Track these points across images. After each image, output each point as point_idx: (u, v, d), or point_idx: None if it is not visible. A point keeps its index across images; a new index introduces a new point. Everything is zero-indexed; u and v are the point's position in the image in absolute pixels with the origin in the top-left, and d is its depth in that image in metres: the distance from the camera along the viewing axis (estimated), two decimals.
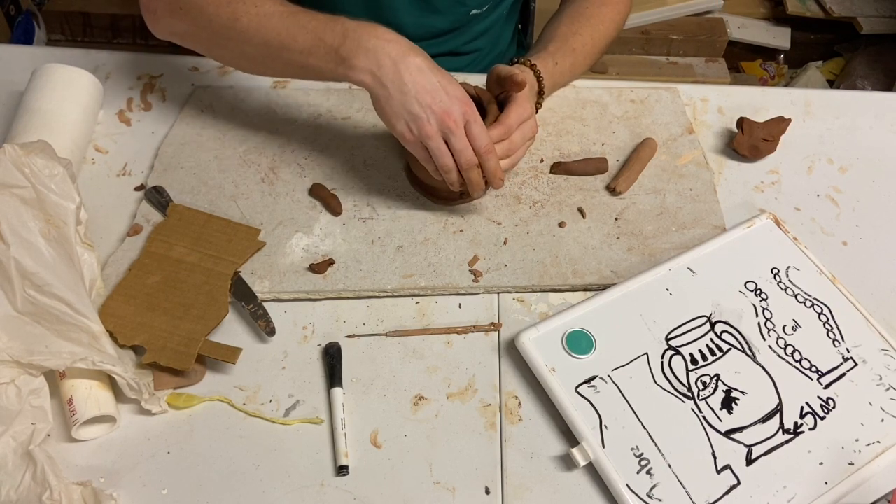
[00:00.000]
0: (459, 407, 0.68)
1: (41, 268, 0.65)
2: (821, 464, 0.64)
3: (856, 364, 0.70)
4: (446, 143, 0.71)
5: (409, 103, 0.69)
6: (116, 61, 0.98)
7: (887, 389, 0.68)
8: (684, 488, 0.62)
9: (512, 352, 0.71)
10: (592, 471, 0.64)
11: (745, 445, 0.64)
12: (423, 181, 0.81)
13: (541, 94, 0.84)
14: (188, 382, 0.69)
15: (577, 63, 0.89)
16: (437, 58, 0.93)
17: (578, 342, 0.69)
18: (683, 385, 0.68)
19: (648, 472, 0.62)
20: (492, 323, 0.74)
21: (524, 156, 0.79)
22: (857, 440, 0.65)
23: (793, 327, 0.72)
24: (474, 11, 0.97)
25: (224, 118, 0.90)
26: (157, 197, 0.81)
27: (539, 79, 0.83)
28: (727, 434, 0.65)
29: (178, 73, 0.97)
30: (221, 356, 0.69)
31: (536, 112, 0.85)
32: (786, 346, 0.71)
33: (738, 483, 0.62)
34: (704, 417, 0.66)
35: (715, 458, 0.63)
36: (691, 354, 0.69)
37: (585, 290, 0.76)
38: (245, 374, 0.70)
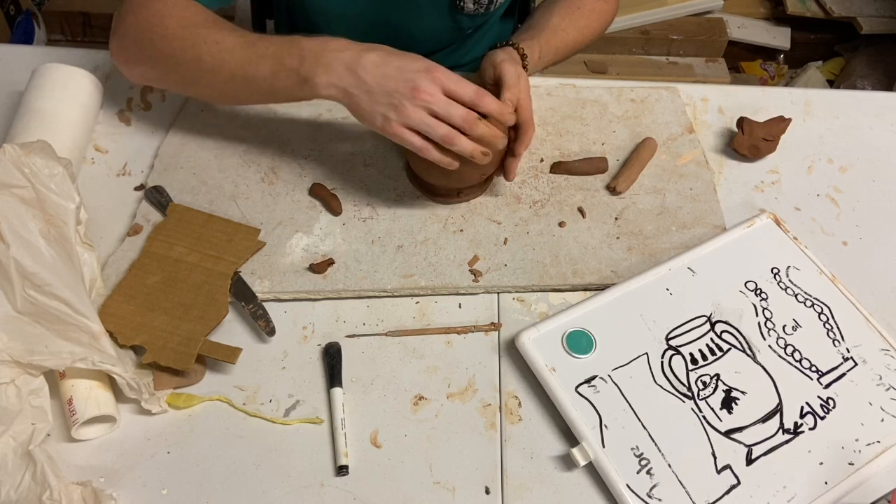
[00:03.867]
0: (459, 407, 0.68)
1: (41, 268, 0.65)
2: (821, 464, 0.64)
3: (856, 364, 0.70)
4: (435, 117, 0.69)
5: (377, 99, 0.69)
6: None
7: (887, 389, 0.68)
8: (684, 488, 0.62)
9: (512, 352, 0.71)
10: (592, 471, 0.64)
11: (745, 445, 0.64)
12: (424, 180, 0.81)
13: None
14: (188, 382, 0.69)
15: (554, 61, 0.90)
16: None
17: (578, 342, 0.69)
18: (683, 385, 0.68)
19: (648, 472, 0.62)
20: (492, 323, 0.74)
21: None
22: (857, 440, 0.65)
23: (793, 327, 0.72)
24: (468, 30, 0.98)
25: (224, 118, 0.90)
26: (157, 197, 0.81)
27: (524, 66, 0.81)
28: (727, 434, 0.65)
29: None
30: (221, 356, 0.69)
31: None
32: (786, 345, 0.71)
33: (738, 483, 0.62)
34: (704, 417, 0.66)
35: (715, 457, 0.63)
36: (691, 354, 0.69)
37: (585, 289, 0.76)
38: (245, 374, 0.70)
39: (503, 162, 0.78)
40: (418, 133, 0.70)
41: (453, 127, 0.69)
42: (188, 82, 0.79)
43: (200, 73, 0.76)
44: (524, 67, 0.81)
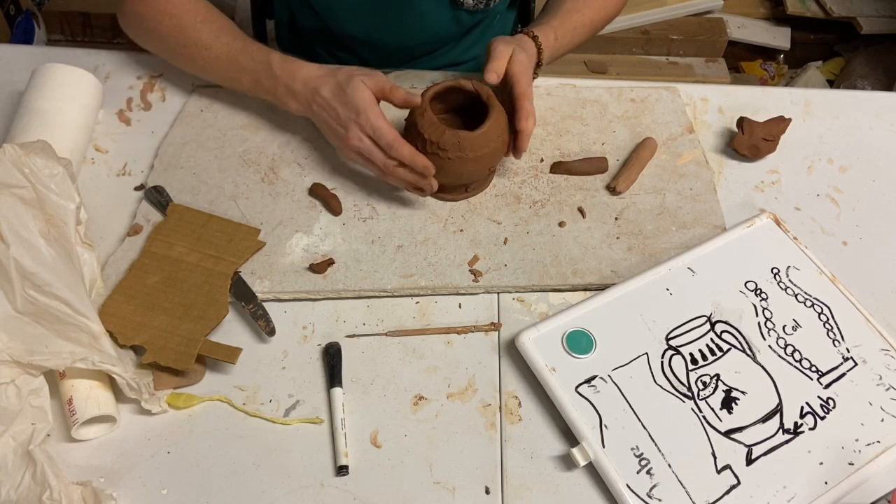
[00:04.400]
0: (459, 407, 0.68)
1: (41, 268, 0.65)
2: (821, 464, 0.64)
3: (856, 364, 0.70)
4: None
5: (328, 131, 0.80)
6: (116, 61, 0.98)
7: (887, 389, 0.68)
8: (684, 488, 0.62)
9: (512, 352, 0.71)
10: (592, 471, 0.64)
11: (745, 445, 0.64)
12: None
13: (538, 65, 0.85)
14: (188, 382, 0.69)
15: (574, 41, 0.91)
16: (437, 70, 0.96)
17: (578, 342, 0.69)
18: (683, 385, 0.68)
19: (648, 472, 0.62)
20: (492, 323, 0.74)
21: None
22: (857, 440, 0.65)
23: (793, 327, 0.72)
24: (469, 26, 0.99)
25: (224, 118, 0.90)
26: (157, 197, 0.81)
27: (539, 50, 0.83)
28: (727, 434, 0.65)
29: (178, 73, 0.96)
30: (221, 356, 0.69)
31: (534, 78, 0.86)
32: (786, 345, 0.71)
33: (738, 483, 0.62)
34: (704, 417, 0.66)
35: (715, 457, 0.63)
36: (691, 354, 0.69)
37: (585, 289, 0.76)
38: (245, 374, 0.70)
39: (514, 141, 0.78)
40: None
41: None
42: (188, 70, 0.89)
43: (195, 68, 0.87)
44: (539, 51, 0.83)
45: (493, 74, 0.77)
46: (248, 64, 0.82)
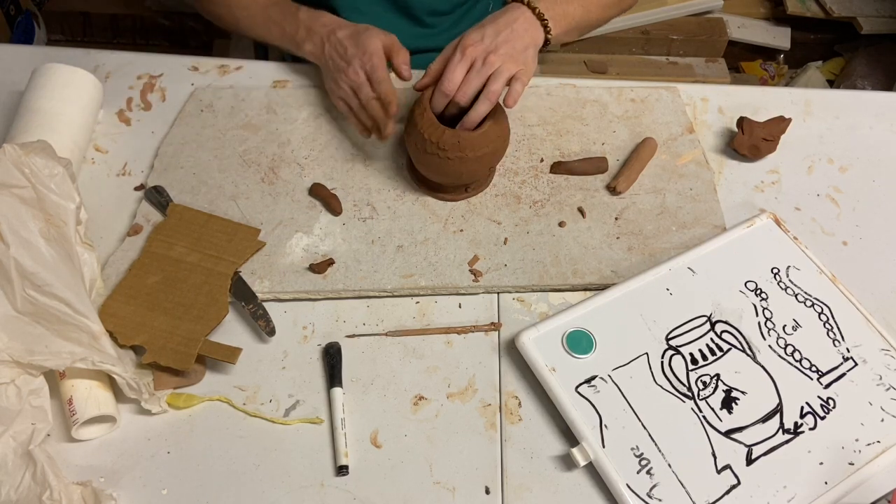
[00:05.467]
0: (459, 407, 0.68)
1: (41, 268, 0.65)
2: (821, 464, 0.64)
3: (856, 364, 0.70)
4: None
5: (329, 71, 0.87)
6: (116, 61, 0.98)
7: (887, 389, 0.68)
8: (684, 488, 0.62)
9: (512, 352, 0.71)
10: (592, 471, 0.64)
11: (745, 445, 0.64)
12: (426, 178, 0.81)
13: (547, 30, 0.80)
14: (188, 382, 0.69)
15: (591, 17, 0.86)
16: (424, 53, 0.96)
17: (578, 342, 0.69)
18: (683, 385, 0.68)
19: (648, 472, 0.62)
20: (492, 323, 0.74)
21: (500, 78, 0.74)
22: (857, 440, 0.65)
23: (793, 327, 0.72)
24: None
25: (224, 118, 0.90)
26: (157, 197, 0.81)
27: (543, 21, 0.80)
28: (727, 434, 0.65)
29: (178, 73, 0.96)
30: (221, 356, 0.69)
31: (548, 44, 0.82)
32: (786, 345, 0.71)
33: (738, 483, 0.62)
34: (704, 417, 0.66)
35: (715, 457, 0.63)
36: (691, 354, 0.69)
37: (585, 289, 0.76)
38: (245, 374, 0.70)
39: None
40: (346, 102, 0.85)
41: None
42: (235, 32, 0.99)
43: (240, 29, 0.96)
44: (546, 28, 0.80)
45: (427, 78, 0.78)
46: (277, 15, 0.91)
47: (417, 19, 1.01)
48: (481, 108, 0.74)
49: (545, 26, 0.80)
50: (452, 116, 0.83)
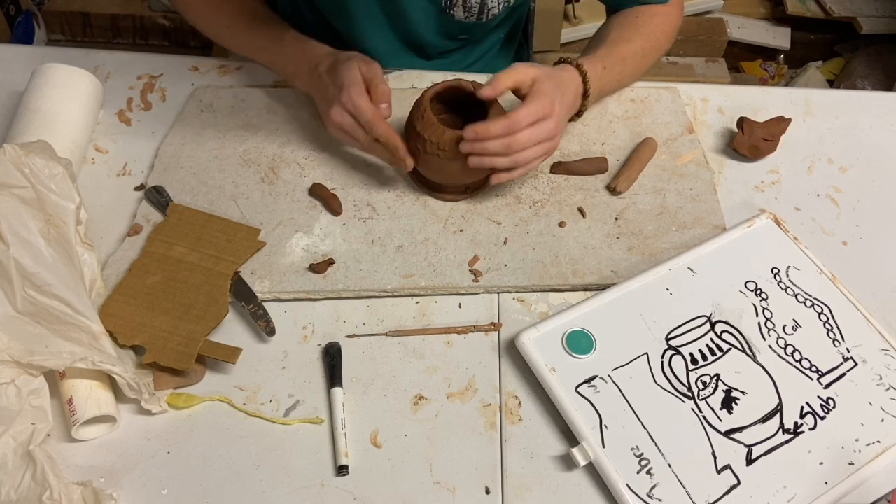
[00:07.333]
0: (459, 407, 0.68)
1: (41, 268, 0.65)
2: (821, 464, 0.64)
3: (856, 364, 0.70)
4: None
5: (319, 106, 0.84)
6: (116, 61, 0.98)
7: (887, 389, 0.68)
8: (684, 488, 0.62)
9: (512, 352, 0.71)
10: (592, 471, 0.64)
11: (745, 445, 0.64)
12: (427, 179, 0.81)
13: (585, 97, 0.82)
14: (188, 382, 0.69)
15: (626, 72, 0.88)
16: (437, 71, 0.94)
17: (578, 342, 0.69)
18: (683, 385, 0.68)
19: (648, 472, 0.62)
20: (492, 323, 0.74)
21: (538, 159, 0.75)
22: (857, 440, 0.65)
23: (793, 327, 0.72)
24: (462, 36, 0.97)
25: (224, 118, 0.90)
26: (157, 197, 0.81)
27: (585, 81, 0.81)
28: (727, 434, 0.65)
29: (178, 73, 0.96)
30: (221, 356, 0.69)
31: (579, 117, 0.85)
32: (786, 345, 0.71)
33: (738, 483, 0.62)
34: (704, 417, 0.66)
35: (715, 458, 0.63)
36: (691, 354, 0.69)
37: (585, 289, 0.76)
38: (245, 374, 0.70)
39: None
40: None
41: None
42: (228, 48, 0.96)
43: (237, 52, 0.95)
44: (584, 82, 0.81)
45: (490, 89, 0.72)
46: (270, 46, 0.89)
47: (427, 56, 1.01)
48: (512, 175, 0.75)
49: (585, 91, 0.82)
50: (451, 116, 0.83)
